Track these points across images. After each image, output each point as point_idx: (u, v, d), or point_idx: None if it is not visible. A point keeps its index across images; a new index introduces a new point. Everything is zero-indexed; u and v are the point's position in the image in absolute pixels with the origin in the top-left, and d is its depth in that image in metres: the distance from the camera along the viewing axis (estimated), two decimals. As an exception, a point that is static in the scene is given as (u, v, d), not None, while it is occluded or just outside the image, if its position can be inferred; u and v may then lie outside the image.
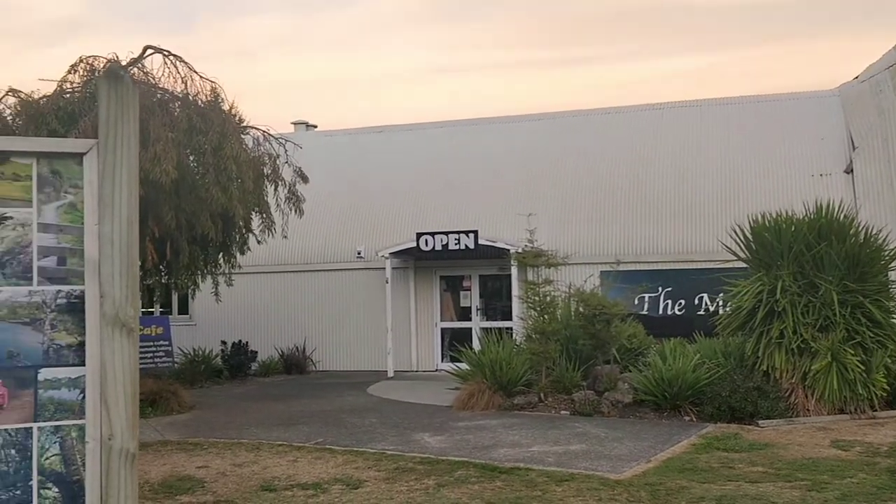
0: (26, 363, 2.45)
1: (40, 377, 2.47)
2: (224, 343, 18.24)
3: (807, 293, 10.95)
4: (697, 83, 47.82)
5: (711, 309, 15.45)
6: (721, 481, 7.31)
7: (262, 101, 49.55)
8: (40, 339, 2.48)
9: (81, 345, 2.50)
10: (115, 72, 2.58)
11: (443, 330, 18.55)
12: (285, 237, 13.48)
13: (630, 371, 12.04)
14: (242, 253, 13.30)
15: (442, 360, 18.14)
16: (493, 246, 16.91)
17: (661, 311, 16.52)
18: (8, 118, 11.56)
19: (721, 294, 12.78)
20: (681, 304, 16.50)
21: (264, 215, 12.70)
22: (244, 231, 12.73)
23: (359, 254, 18.99)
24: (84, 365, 2.49)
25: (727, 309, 12.11)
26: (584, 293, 12.25)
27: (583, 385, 11.86)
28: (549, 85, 48.42)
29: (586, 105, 32.64)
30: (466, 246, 16.92)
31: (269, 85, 49.92)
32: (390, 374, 17.30)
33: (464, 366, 13.34)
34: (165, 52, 10.25)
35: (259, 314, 19.25)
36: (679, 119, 19.01)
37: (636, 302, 15.81)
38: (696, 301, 16.36)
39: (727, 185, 17.22)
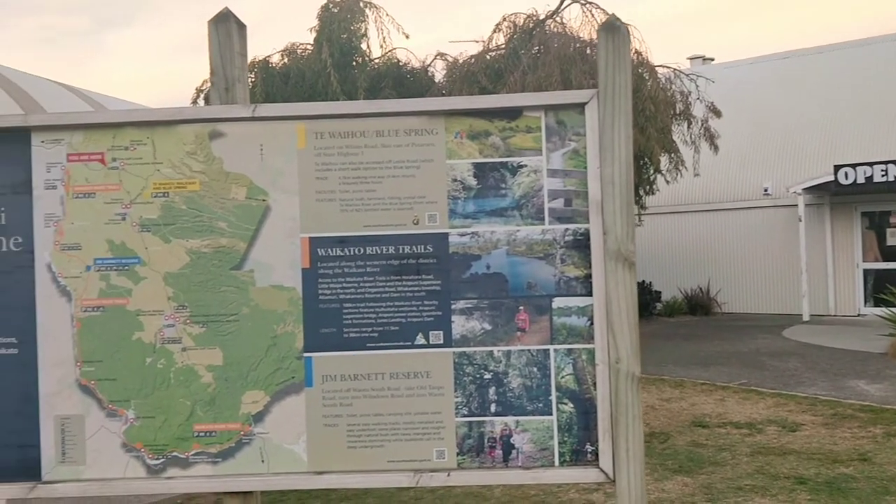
0: (542, 293, 2.79)
1: (554, 305, 2.80)
2: (628, 283, 18.63)
3: None
4: None
5: None
6: None
7: (650, 37, 48.65)
8: (552, 271, 2.79)
9: (587, 277, 2.77)
10: (611, 23, 2.76)
11: (865, 272, 16.91)
12: (697, 175, 13.24)
13: None
14: (651, 193, 13.37)
15: (865, 304, 16.61)
16: (930, 176, 14.88)
17: None
18: (439, 81, 12.83)
19: None
20: None
21: (672, 154, 12.58)
22: (653, 171, 12.75)
23: (765, 191, 18.04)
24: (590, 295, 2.76)
25: None
26: None
27: None
28: None
29: None
30: (896, 177, 15.10)
31: (650, 21, 48.91)
32: (805, 317, 16.29)
33: (897, 310, 12.09)
34: (582, 2, 10.54)
35: (661, 254, 19.28)
36: None
37: None
38: None
39: None
